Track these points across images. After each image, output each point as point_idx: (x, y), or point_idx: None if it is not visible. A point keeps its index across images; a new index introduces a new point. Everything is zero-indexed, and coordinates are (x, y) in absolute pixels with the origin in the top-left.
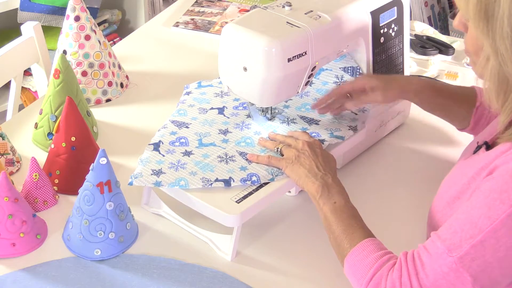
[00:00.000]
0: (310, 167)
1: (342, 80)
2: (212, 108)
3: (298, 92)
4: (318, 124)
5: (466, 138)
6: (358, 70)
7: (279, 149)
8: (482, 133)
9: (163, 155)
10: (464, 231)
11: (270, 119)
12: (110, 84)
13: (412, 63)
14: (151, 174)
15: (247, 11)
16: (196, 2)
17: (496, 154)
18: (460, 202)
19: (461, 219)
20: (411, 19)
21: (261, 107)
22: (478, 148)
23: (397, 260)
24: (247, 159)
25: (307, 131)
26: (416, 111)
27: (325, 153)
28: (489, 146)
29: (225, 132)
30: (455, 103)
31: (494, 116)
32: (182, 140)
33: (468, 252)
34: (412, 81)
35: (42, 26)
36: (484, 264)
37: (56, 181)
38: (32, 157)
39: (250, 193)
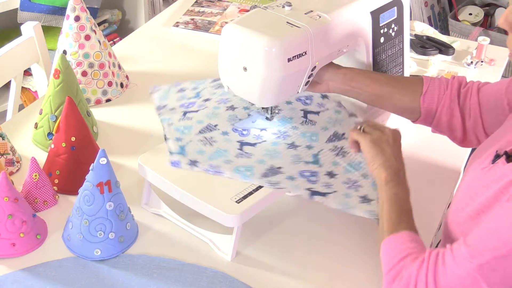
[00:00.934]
0: (390, 156)
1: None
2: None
3: (298, 92)
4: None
5: None
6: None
7: (362, 128)
8: (497, 138)
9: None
10: (489, 241)
11: (269, 119)
12: (110, 84)
13: (412, 63)
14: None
15: (247, 11)
16: (196, 2)
17: None
18: (484, 216)
19: (488, 228)
20: (411, 19)
21: (261, 107)
22: (497, 157)
23: (424, 254)
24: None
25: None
26: None
27: (401, 149)
28: (509, 156)
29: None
30: (397, 91)
31: (446, 103)
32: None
33: (489, 262)
34: (339, 71)
35: (42, 26)
36: (504, 277)
37: (56, 181)
38: (32, 157)
39: (250, 193)
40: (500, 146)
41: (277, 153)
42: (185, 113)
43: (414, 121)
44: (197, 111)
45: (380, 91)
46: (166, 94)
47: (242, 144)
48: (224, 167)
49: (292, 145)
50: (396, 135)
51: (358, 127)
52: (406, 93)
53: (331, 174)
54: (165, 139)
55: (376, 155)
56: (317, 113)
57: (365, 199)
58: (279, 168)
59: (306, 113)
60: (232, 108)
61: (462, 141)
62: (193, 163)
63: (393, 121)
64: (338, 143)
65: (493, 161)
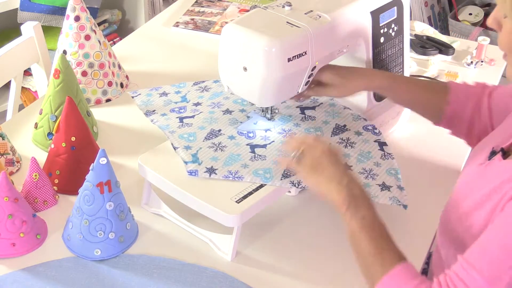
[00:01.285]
0: (334, 174)
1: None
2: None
3: (298, 92)
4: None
5: None
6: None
7: (298, 153)
8: (494, 136)
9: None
10: (502, 261)
11: (270, 119)
12: (110, 84)
13: (412, 63)
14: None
15: (247, 11)
16: (196, 2)
17: None
18: (478, 213)
19: (494, 247)
20: (411, 19)
21: (261, 107)
22: (493, 154)
23: None
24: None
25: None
26: None
27: (342, 160)
28: (505, 153)
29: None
30: (425, 97)
31: (473, 112)
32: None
33: (510, 283)
34: (375, 77)
35: (42, 26)
36: None
37: (56, 181)
38: (32, 157)
39: (250, 193)
40: (496, 143)
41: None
42: (181, 119)
43: (435, 124)
44: (192, 116)
45: (413, 98)
46: (149, 99)
47: (253, 146)
48: (242, 171)
49: None
50: (332, 151)
51: (293, 154)
52: (431, 99)
53: (346, 166)
54: (174, 148)
55: (320, 181)
56: (313, 108)
57: (384, 186)
58: None
59: (302, 109)
60: (228, 111)
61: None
62: (211, 170)
63: (392, 121)
64: (343, 135)
65: (489, 158)
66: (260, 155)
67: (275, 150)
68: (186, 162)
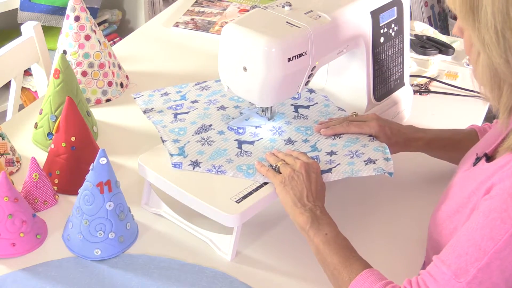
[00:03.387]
0: (301, 195)
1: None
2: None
3: (298, 92)
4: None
5: None
6: None
7: (277, 167)
8: (479, 144)
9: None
10: (469, 255)
11: (270, 119)
12: (110, 84)
13: (412, 63)
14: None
15: (247, 11)
16: (196, 2)
17: (495, 168)
18: (459, 216)
19: (463, 242)
20: (411, 19)
21: (260, 107)
22: (478, 160)
23: None
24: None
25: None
26: (416, 111)
27: (320, 180)
28: (489, 157)
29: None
30: (460, 150)
31: None
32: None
33: (476, 276)
34: (418, 138)
35: (42, 26)
36: (492, 286)
37: (56, 181)
38: (32, 157)
39: (250, 193)
40: (480, 149)
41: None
42: (175, 115)
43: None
44: (187, 112)
45: (451, 154)
46: (150, 99)
47: (240, 142)
48: (226, 166)
49: (289, 141)
50: (309, 169)
51: (274, 165)
52: (466, 149)
53: (331, 153)
54: (163, 141)
55: (285, 198)
56: (307, 107)
57: (369, 161)
58: None
59: (296, 107)
60: (222, 108)
61: None
62: (195, 163)
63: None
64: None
65: (474, 164)
66: (246, 151)
67: (262, 147)
68: (171, 155)
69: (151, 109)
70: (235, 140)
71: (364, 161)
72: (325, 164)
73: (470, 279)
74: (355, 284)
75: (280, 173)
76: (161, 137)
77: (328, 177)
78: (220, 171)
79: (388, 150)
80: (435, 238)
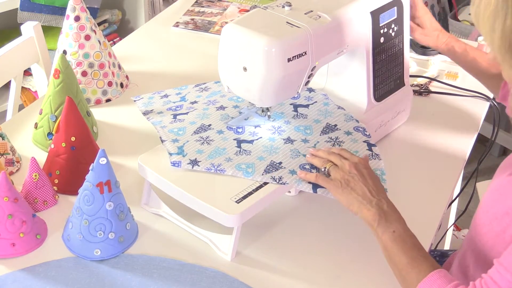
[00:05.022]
0: (363, 192)
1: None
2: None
3: (298, 92)
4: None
5: (467, 139)
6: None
7: (326, 169)
8: None
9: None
10: None
11: (270, 119)
12: (110, 84)
13: (412, 63)
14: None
15: (247, 11)
16: (196, 2)
17: None
18: (509, 217)
19: None
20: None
21: (260, 108)
22: None
23: None
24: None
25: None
26: (416, 111)
27: (372, 173)
28: None
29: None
30: (486, 72)
31: None
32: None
33: None
34: (442, 40)
35: (42, 26)
36: None
37: (56, 181)
38: (32, 157)
39: (250, 193)
40: None
41: (275, 149)
42: (175, 116)
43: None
44: (186, 113)
45: (475, 67)
46: (150, 101)
47: (239, 142)
48: (225, 165)
49: (288, 140)
50: (359, 167)
51: (322, 169)
52: (492, 76)
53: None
54: (162, 141)
55: (348, 199)
56: (307, 106)
57: None
58: (280, 163)
59: (295, 107)
60: (222, 108)
61: None
62: (194, 162)
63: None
64: (332, 134)
65: None
66: (245, 150)
67: (261, 146)
68: (170, 154)
69: (151, 110)
70: (234, 139)
71: None
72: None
73: None
74: (423, 285)
75: (329, 175)
76: (160, 137)
77: (325, 193)
78: (219, 170)
79: (385, 177)
80: (479, 239)
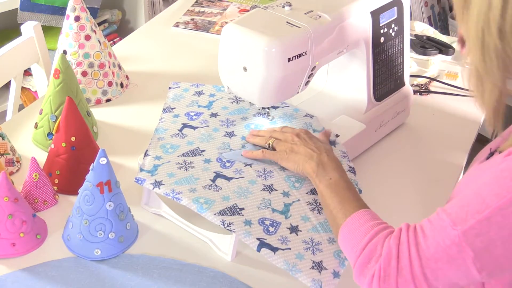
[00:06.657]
0: (305, 151)
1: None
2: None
3: (298, 92)
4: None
5: (466, 139)
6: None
7: (270, 145)
8: (495, 140)
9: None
10: (471, 206)
11: (270, 119)
12: (110, 84)
13: (412, 63)
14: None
15: (247, 11)
16: (196, 2)
17: (505, 153)
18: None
19: (470, 195)
20: (411, 19)
21: (260, 108)
22: (491, 154)
23: (395, 229)
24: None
25: None
26: (416, 111)
27: (313, 137)
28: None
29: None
30: None
31: None
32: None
33: (473, 227)
34: None
35: (42, 26)
36: (488, 241)
37: (56, 181)
38: (32, 157)
39: None
40: (494, 145)
41: (248, 193)
42: (183, 127)
43: None
44: (195, 128)
45: None
46: (182, 95)
47: (217, 176)
48: (185, 194)
49: (269, 188)
50: (300, 135)
51: (267, 146)
52: None
53: (294, 229)
54: (145, 155)
55: (295, 160)
56: (275, 108)
57: (318, 266)
58: (241, 209)
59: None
60: (230, 134)
61: None
62: (157, 184)
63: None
64: (317, 197)
65: (488, 158)
66: (216, 186)
67: (236, 186)
68: (141, 169)
69: (173, 108)
70: (214, 172)
71: (313, 261)
72: (277, 241)
73: (467, 229)
74: (349, 221)
75: (275, 149)
76: (146, 150)
77: (268, 256)
78: (176, 198)
79: (345, 264)
80: None
